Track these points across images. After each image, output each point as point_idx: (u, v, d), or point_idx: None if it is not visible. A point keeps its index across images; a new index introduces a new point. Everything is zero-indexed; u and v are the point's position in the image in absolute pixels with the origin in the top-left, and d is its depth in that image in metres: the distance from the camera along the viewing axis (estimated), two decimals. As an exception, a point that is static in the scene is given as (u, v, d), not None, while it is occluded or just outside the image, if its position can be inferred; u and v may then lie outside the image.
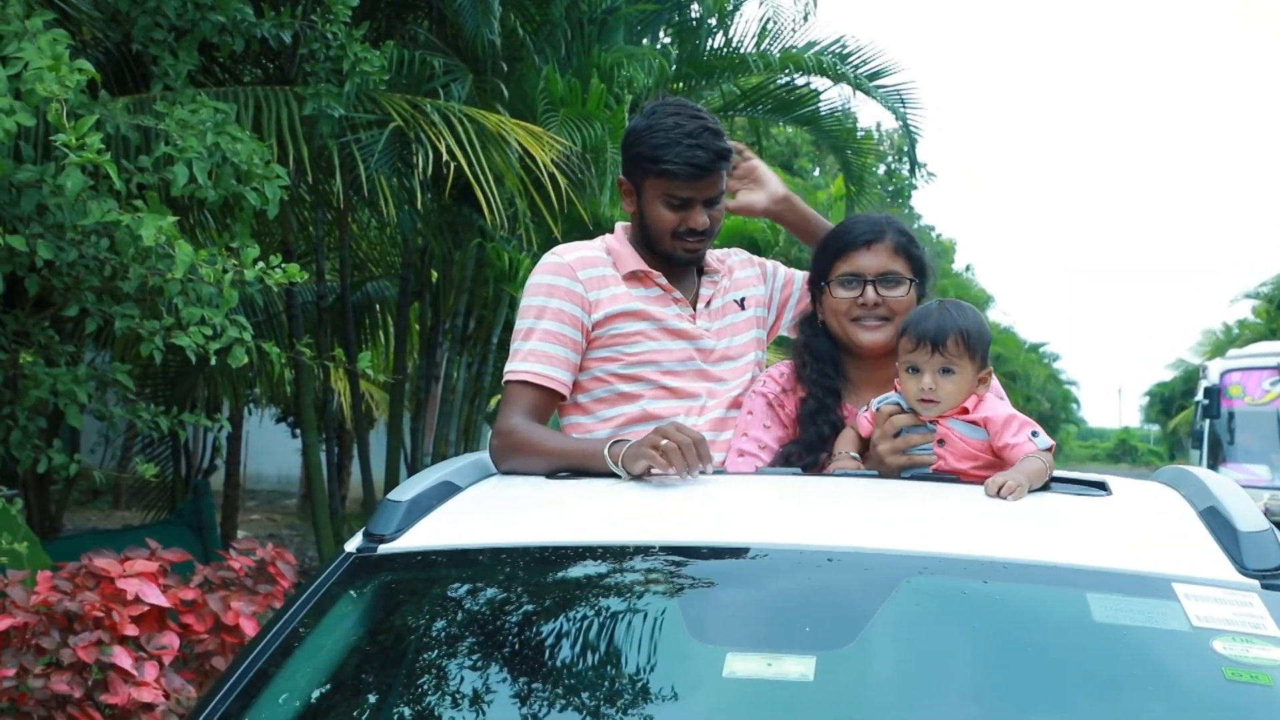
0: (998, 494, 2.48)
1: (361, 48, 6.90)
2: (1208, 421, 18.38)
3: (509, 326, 10.22)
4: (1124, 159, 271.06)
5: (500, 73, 9.45)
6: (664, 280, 3.16)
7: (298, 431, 13.38)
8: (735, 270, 3.34)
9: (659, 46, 11.75)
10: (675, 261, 3.16)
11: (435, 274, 10.97)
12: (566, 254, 3.16)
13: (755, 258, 3.46)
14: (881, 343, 3.08)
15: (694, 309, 3.20)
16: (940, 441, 2.86)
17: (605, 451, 2.71)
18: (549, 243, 9.74)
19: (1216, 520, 2.32)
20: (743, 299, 3.30)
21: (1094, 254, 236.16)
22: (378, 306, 12.35)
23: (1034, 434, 2.78)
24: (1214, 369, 19.41)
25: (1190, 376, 36.99)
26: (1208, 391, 18.69)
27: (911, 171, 13.58)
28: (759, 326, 3.33)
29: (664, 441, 2.58)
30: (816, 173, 28.14)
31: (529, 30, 9.80)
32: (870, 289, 3.07)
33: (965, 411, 2.87)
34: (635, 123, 3.17)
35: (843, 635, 2.06)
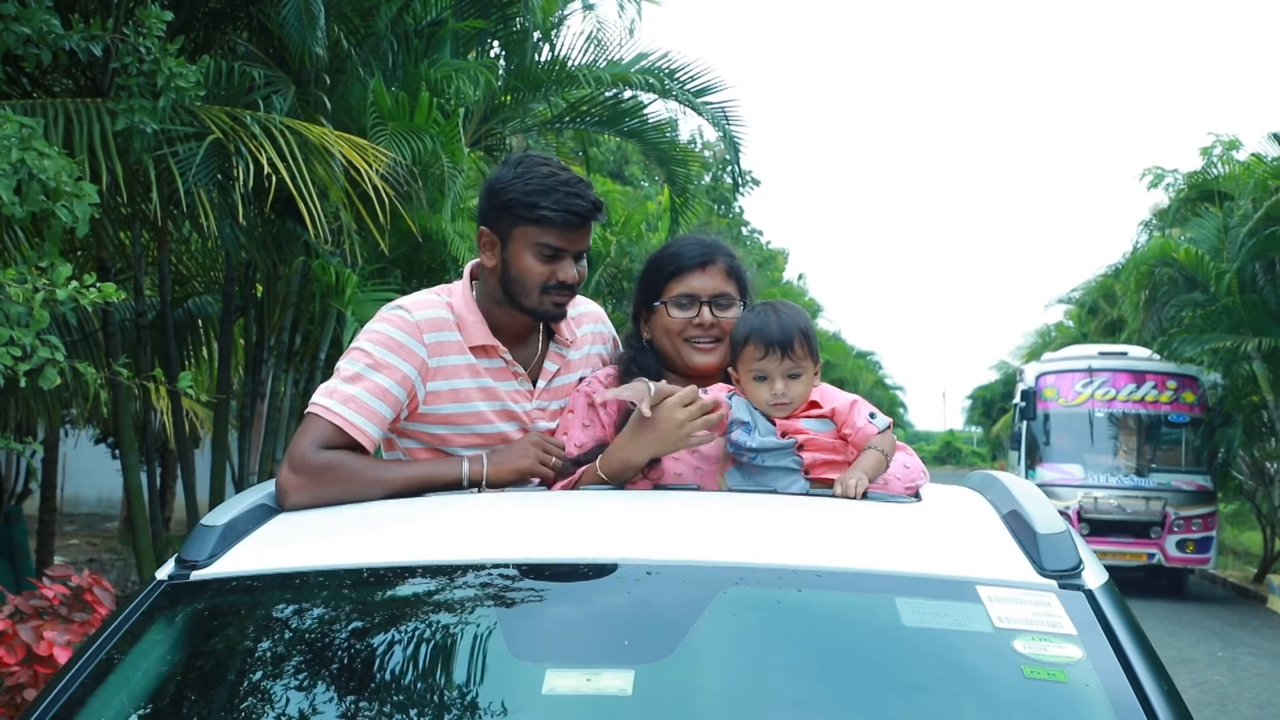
0: (845, 495, 2.68)
1: (177, 62, 6.72)
2: (1025, 423, 19.07)
3: (336, 342, 10.06)
4: (941, 166, 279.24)
5: (324, 85, 9.31)
6: (508, 355, 3.09)
7: (118, 452, 12.96)
8: (585, 344, 3.27)
9: (489, 58, 11.71)
10: (539, 317, 3.08)
11: (260, 289, 10.74)
12: (417, 311, 3.02)
13: (607, 330, 3.37)
14: (714, 364, 3.13)
15: (534, 384, 3.14)
16: (801, 446, 2.92)
17: (465, 473, 2.90)
18: (376, 256, 9.65)
19: (1018, 523, 2.41)
20: (583, 378, 3.22)
21: (914, 262, 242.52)
22: (200, 323, 12.04)
23: (872, 415, 2.93)
24: (1030, 372, 20.14)
25: (1011, 379, 38.26)
26: (1024, 394, 19.39)
27: (735, 185, 13.81)
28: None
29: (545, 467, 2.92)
30: (646, 185, 28.31)
31: (354, 42, 9.68)
32: (706, 310, 3.12)
33: (815, 405, 2.96)
34: (501, 172, 3.07)
35: (661, 648, 2.08)
